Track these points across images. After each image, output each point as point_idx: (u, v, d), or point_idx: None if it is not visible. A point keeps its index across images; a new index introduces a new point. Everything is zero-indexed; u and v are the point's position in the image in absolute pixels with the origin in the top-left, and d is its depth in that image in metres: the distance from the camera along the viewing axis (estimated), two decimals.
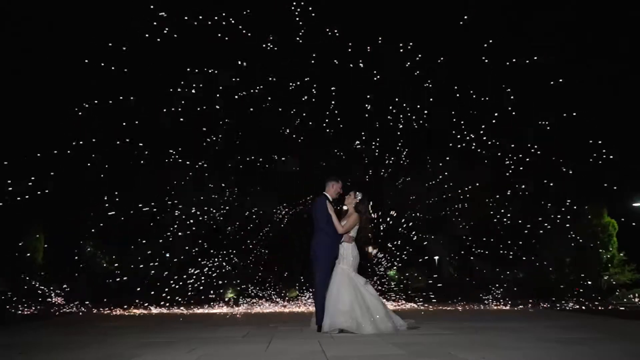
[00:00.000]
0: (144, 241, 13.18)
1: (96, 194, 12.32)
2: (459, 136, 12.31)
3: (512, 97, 11.62)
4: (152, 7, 10.52)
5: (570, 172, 11.69)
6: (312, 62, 11.56)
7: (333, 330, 5.43)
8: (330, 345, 4.40)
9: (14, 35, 11.77)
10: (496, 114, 11.80)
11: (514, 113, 11.56)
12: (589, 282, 13.14)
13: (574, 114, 11.08)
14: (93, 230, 12.78)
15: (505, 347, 4.23)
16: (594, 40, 13.05)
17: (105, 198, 11.87)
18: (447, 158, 12.46)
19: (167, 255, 13.20)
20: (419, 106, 12.25)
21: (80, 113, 11.01)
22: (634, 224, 13.31)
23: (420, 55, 11.73)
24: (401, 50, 11.51)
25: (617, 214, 14.40)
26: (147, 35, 10.64)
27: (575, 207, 13.05)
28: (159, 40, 10.83)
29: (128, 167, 12.08)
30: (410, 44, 11.65)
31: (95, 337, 5.57)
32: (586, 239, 13.96)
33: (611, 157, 11.19)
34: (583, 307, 11.34)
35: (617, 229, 14.51)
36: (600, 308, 11.10)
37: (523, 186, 11.99)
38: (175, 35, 10.92)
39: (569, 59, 12.30)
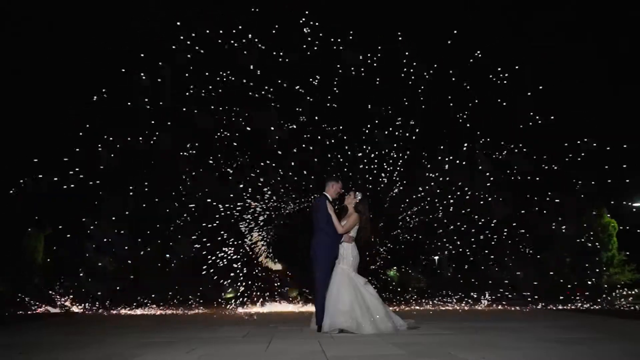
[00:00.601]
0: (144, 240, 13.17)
1: (97, 192, 12.32)
2: (457, 136, 12.32)
3: (510, 97, 11.66)
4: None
5: (571, 171, 11.70)
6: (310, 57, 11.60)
7: (333, 330, 5.44)
8: (330, 345, 4.40)
9: (14, 35, 11.76)
10: (496, 114, 11.83)
11: (512, 111, 11.59)
12: (589, 282, 13.13)
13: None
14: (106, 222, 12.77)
15: (505, 347, 4.23)
16: (594, 40, 13.05)
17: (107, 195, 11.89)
18: (450, 153, 12.46)
19: (167, 255, 13.18)
20: (418, 106, 12.27)
21: (81, 112, 11.03)
22: (631, 227, 13.35)
23: (415, 63, 11.77)
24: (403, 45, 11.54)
25: (617, 214, 14.39)
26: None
27: (574, 207, 13.05)
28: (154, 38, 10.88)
29: (130, 166, 12.07)
30: (407, 53, 11.70)
31: (95, 337, 5.57)
32: (586, 239, 13.95)
33: (611, 156, 11.21)
34: (583, 307, 11.34)
35: (617, 229, 14.52)
36: (600, 308, 11.10)
37: (519, 176, 12.00)
38: (169, 27, 10.96)
39: (569, 59, 12.30)
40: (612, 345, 4.54)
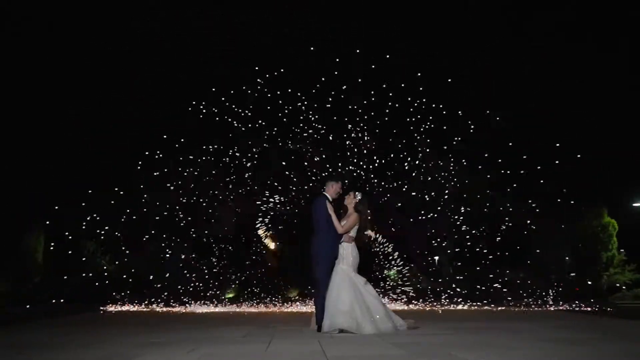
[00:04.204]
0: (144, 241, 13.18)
1: (97, 193, 12.33)
2: (457, 137, 12.33)
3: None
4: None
5: (571, 171, 11.70)
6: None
7: (333, 330, 5.43)
8: (330, 345, 4.40)
9: (14, 35, 11.77)
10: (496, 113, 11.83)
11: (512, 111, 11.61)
12: (589, 282, 13.15)
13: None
14: (103, 232, 12.82)
15: (505, 347, 4.23)
16: (594, 40, 13.07)
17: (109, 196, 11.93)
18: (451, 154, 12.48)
19: (167, 255, 13.18)
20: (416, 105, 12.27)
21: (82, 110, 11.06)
22: (631, 227, 13.37)
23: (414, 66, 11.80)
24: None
25: (617, 214, 14.40)
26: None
27: (575, 208, 13.06)
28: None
29: (129, 166, 12.07)
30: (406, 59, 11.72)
31: (96, 337, 5.56)
32: (586, 239, 13.95)
33: (611, 156, 11.22)
34: (583, 307, 11.34)
35: (617, 229, 14.52)
36: (599, 308, 11.10)
37: (516, 177, 12.02)
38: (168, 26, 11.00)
39: (568, 59, 12.31)
40: (612, 345, 4.53)
